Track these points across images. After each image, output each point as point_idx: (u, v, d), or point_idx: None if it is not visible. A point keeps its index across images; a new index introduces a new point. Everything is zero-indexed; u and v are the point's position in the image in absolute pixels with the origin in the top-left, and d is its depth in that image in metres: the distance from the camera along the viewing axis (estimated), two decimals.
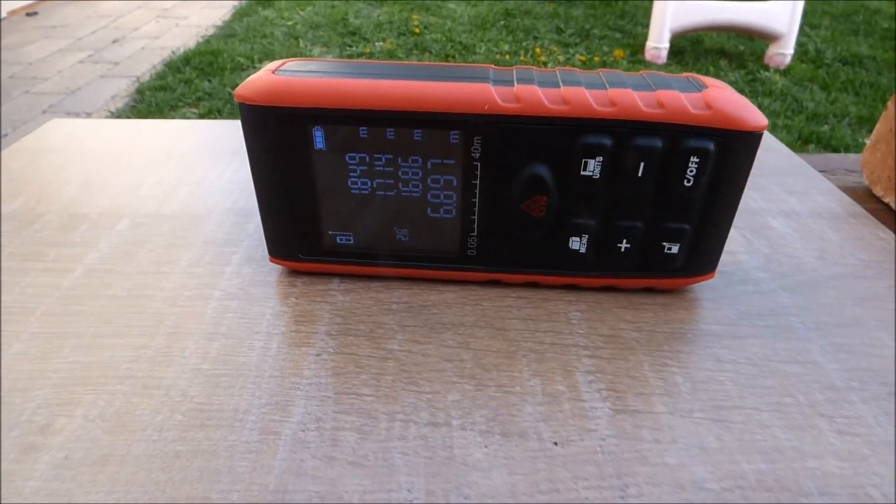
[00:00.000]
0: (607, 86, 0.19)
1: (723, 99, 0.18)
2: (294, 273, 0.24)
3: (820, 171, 0.36)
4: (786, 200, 0.30)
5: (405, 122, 0.19)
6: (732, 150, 0.19)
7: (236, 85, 1.83)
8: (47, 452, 0.17)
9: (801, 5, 1.89)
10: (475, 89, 0.19)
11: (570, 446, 0.17)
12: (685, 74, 0.20)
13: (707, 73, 1.97)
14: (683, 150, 0.19)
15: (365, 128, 0.20)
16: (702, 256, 0.21)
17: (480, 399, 0.18)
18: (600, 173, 0.19)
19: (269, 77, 0.20)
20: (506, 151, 0.20)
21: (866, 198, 0.34)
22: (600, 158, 0.19)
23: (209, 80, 1.87)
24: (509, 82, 0.19)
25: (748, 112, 0.18)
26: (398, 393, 0.19)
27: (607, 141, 0.19)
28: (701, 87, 0.19)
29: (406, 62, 0.21)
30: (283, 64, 0.21)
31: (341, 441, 0.17)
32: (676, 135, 0.19)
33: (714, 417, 0.18)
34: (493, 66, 0.21)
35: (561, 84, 0.19)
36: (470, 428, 0.17)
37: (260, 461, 0.16)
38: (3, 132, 1.59)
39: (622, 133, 0.19)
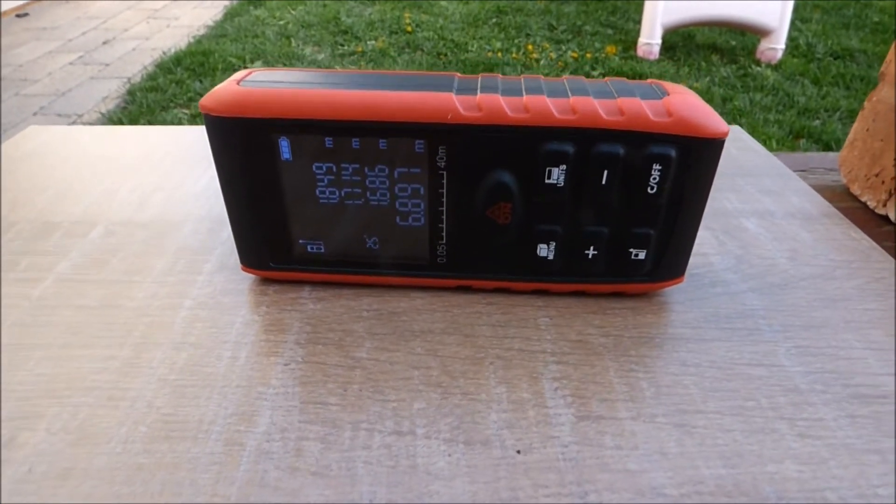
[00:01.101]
0: (570, 93, 0.19)
1: (683, 105, 0.19)
2: (266, 281, 0.24)
3: (799, 171, 0.37)
4: (760, 201, 0.30)
5: (370, 132, 0.20)
6: (694, 157, 0.19)
7: None
8: (10, 466, 0.17)
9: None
10: (438, 98, 0.19)
11: (532, 454, 0.17)
12: (649, 81, 0.21)
13: (699, 69, 1.97)
14: (645, 157, 0.19)
15: (330, 138, 0.20)
16: (669, 261, 0.21)
17: (446, 407, 0.18)
18: (564, 181, 0.20)
19: (234, 88, 0.20)
20: (470, 160, 0.20)
21: (844, 196, 0.34)
22: (564, 166, 0.19)
23: (200, 81, 1.87)
24: (473, 91, 0.19)
25: (709, 119, 0.19)
26: (364, 402, 0.19)
27: (570, 148, 0.19)
28: (663, 94, 0.19)
29: (373, 71, 0.21)
30: (248, 74, 0.21)
31: (305, 451, 0.17)
32: (638, 142, 0.19)
33: (676, 422, 0.18)
34: (458, 74, 0.21)
35: (524, 92, 0.19)
36: (434, 436, 0.17)
37: (223, 473, 0.16)
38: None
39: (584, 141, 0.19)
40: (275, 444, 0.17)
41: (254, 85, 0.20)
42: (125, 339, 0.21)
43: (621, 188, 0.20)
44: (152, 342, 0.21)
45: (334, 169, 0.20)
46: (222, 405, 0.18)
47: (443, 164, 0.20)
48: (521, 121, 0.19)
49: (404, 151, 0.20)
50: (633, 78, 1.87)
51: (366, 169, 0.20)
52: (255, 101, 0.19)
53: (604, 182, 0.19)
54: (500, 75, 0.21)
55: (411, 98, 0.19)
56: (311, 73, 0.21)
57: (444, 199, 0.21)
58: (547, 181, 0.20)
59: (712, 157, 0.19)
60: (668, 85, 0.20)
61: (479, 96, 0.19)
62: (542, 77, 0.20)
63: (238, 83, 0.20)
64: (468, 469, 0.17)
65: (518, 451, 0.17)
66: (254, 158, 0.20)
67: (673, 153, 0.19)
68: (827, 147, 1.50)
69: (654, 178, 0.19)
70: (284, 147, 0.20)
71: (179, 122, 1.64)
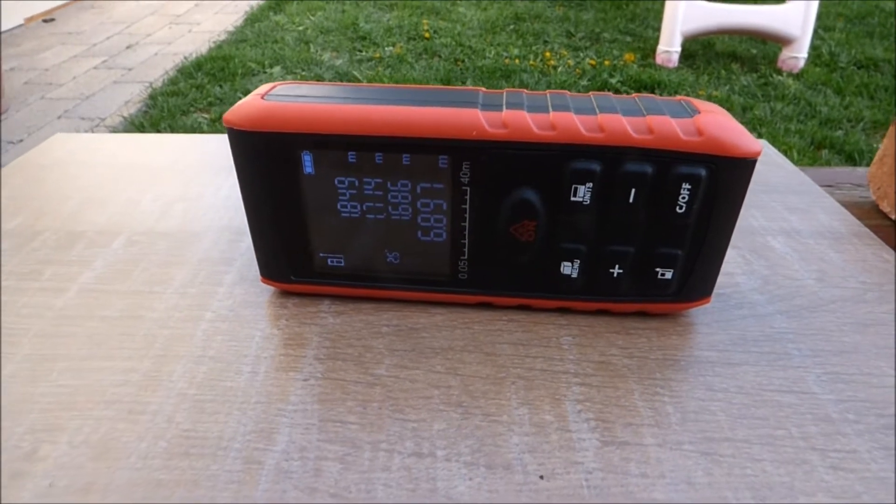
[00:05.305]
0: (597, 111, 0.19)
1: (714, 125, 0.18)
2: (285, 294, 0.24)
3: (826, 186, 0.36)
4: (787, 219, 0.29)
5: (393, 147, 0.19)
6: (725, 177, 0.18)
7: (248, 90, 1.85)
8: (32, 480, 0.17)
9: (815, 8, 1.87)
10: (463, 115, 0.19)
11: (555, 480, 0.17)
12: (678, 98, 0.20)
13: (718, 77, 1.95)
14: (674, 177, 0.18)
15: (353, 152, 0.20)
16: (696, 282, 0.21)
17: (466, 428, 0.18)
18: (591, 199, 0.19)
19: (258, 102, 0.20)
20: (495, 176, 0.20)
21: (873, 213, 0.33)
22: (590, 184, 0.19)
23: (220, 86, 1.89)
24: (498, 107, 0.19)
25: (741, 138, 0.18)
26: (384, 421, 0.18)
27: (596, 167, 0.19)
28: (693, 112, 0.19)
29: (397, 85, 0.21)
30: (272, 88, 0.21)
31: (324, 471, 0.17)
32: (667, 161, 0.18)
33: (704, 450, 0.17)
34: (482, 89, 0.21)
35: (550, 109, 0.19)
36: (455, 459, 0.17)
37: (242, 492, 0.16)
38: (18, 138, 1.62)
39: (612, 159, 0.19)
40: (294, 464, 0.17)
41: (278, 99, 0.20)
42: (146, 352, 0.21)
43: (649, 207, 0.19)
44: (173, 355, 0.21)
45: (356, 183, 0.20)
46: (241, 421, 0.18)
47: (466, 179, 0.20)
48: (547, 138, 0.18)
49: (428, 167, 0.20)
50: (652, 85, 1.86)
51: (388, 183, 0.20)
52: (278, 116, 0.19)
53: (631, 201, 0.19)
54: (526, 91, 0.20)
55: (436, 114, 0.19)
56: (335, 88, 0.21)
57: (467, 215, 0.20)
58: (573, 199, 0.19)
59: (743, 178, 0.18)
60: (699, 102, 0.19)
61: (505, 112, 0.19)
62: (569, 93, 0.20)
63: (262, 97, 0.20)
64: (489, 494, 0.16)
65: (541, 477, 0.17)
66: (276, 172, 0.20)
67: (703, 173, 0.18)
68: (850, 158, 1.47)
69: (683, 198, 0.19)
70: (307, 161, 0.20)
71: (199, 127, 1.66)
